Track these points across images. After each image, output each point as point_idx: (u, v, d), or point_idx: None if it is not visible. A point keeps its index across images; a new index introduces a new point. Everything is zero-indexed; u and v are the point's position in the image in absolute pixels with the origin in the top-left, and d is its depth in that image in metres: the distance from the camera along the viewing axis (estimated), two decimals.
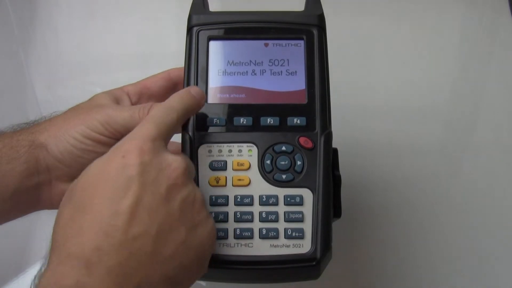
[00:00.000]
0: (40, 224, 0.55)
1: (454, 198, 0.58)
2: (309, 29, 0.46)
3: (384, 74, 0.67)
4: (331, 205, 0.42)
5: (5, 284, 0.51)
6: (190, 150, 0.42)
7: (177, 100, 0.40)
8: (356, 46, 0.69)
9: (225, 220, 0.40)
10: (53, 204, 0.45)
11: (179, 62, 0.46)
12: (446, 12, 0.72)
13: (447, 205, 0.58)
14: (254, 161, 0.42)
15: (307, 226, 0.41)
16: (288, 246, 0.41)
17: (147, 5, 0.72)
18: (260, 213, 0.41)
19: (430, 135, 0.63)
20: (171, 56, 0.66)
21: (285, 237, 0.41)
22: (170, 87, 0.48)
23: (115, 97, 0.45)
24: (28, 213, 0.45)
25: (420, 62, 0.68)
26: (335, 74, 0.66)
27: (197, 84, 0.44)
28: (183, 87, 0.44)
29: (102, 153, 0.43)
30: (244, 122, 0.43)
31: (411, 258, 0.55)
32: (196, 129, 0.43)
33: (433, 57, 0.69)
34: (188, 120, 0.43)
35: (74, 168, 0.43)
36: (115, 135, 0.43)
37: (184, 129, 0.43)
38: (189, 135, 0.43)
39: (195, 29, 0.45)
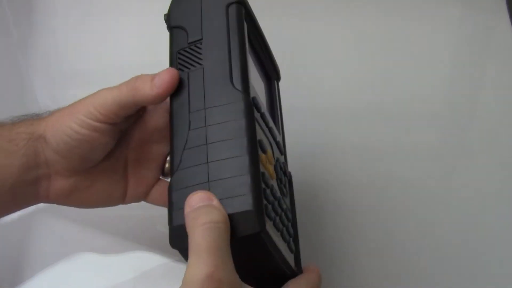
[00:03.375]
0: (40, 228, 0.55)
1: (451, 202, 0.58)
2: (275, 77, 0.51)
3: (378, 77, 0.67)
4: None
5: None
6: (253, 116, 0.39)
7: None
8: (352, 47, 0.70)
9: (270, 203, 0.38)
10: (50, 198, 0.44)
11: None
12: (442, 14, 0.72)
13: (443, 209, 0.58)
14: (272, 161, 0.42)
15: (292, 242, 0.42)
16: (290, 255, 0.41)
17: (149, 8, 0.72)
18: (281, 213, 0.40)
19: (425, 139, 0.63)
20: None
21: (288, 245, 0.40)
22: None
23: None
24: (26, 207, 0.44)
25: (416, 64, 0.68)
26: (330, 76, 0.67)
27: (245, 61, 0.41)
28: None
29: (98, 143, 0.42)
30: (269, 120, 0.43)
31: (406, 261, 0.55)
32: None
33: (428, 59, 0.68)
34: (246, 81, 0.40)
35: (70, 160, 0.43)
36: (111, 118, 0.42)
37: (246, 91, 0.39)
38: (251, 100, 0.39)
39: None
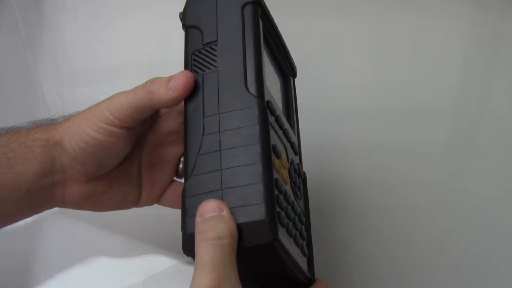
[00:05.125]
0: (51, 229, 0.55)
1: (456, 200, 0.58)
2: (291, 75, 0.50)
3: (386, 75, 0.67)
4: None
5: None
6: (267, 121, 0.38)
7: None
8: (361, 47, 0.69)
9: (283, 209, 0.38)
10: (66, 204, 0.44)
11: None
12: (451, 13, 0.72)
13: (449, 208, 0.58)
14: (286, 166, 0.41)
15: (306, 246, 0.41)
16: (303, 260, 0.40)
17: (158, 6, 0.72)
18: (294, 218, 0.39)
19: (434, 137, 0.62)
20: (180, 64, 0.65)
21: (301, 250, 0.40)
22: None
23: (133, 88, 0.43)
24: (41, 211, 0.44)
25: (425, 63, 0.68)
26: (340, 76, 0.66)
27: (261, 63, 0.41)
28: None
29: (114, 148, 0.42)
30: (284, 124, 0.42)
31: (416, 261, 0.54)
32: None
33: (438, 59, 0.68)
34: (260, 85, 0.39)
35: (87, 165, 0.42)
36: (126, 122, 0.41)
37: (260, 96, 0.39)
38: (265, 104, 0.39)
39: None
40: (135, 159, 0.46)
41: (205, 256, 0.33)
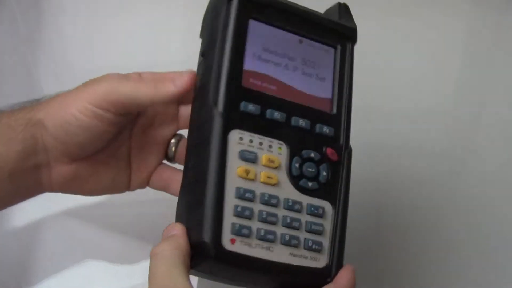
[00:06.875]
0: (51, 229, 0.55)
1: (456, 200, 0.58)
2: (344, 41, 0.44)
3: (386, 75, 0.67)
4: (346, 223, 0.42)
5: None
6: (222, 131, 0.38)
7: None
8: (358, 46, 0.69)
9: (250, 217, 0.37)
10: (53, 187, 0.44)
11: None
12: (450, 12, 0.72)
13: (449, 208, 0.58)
14: (283, 161, 0.40)
15: (326, 240, 0.40)
16: (306, 257, 0.39)
17: (159, 6, 0.72)
18: (285, 217, 0.39)
19: (434, 137, 0.63)
20: (181, 65, 0.65)
21: (304, 247, 0.39)
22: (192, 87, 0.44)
23: (127, 75, 0.43)
24: (30, 196, 0.44)
25: (424, 62, 0.68)
26: None
27: (231, 63, 0.39)
28: (215, 64, 0.39)
29: (98, 131, 0.41)
30: (278, 117, 0.40)
31: (408, 260, 0.55)
32: (229, 109, 0.39)
33: (436, 58, 0.68)
34: (218, 91, 0.39)
35: (69, 145, 0.42)
36: (117, 108, 0.41)
37: (214, 101, 0.39)
38: (221, 112, 0.38)
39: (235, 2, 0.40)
40: (123, 141, 0.45)
41: (152, 268, 0.35)
